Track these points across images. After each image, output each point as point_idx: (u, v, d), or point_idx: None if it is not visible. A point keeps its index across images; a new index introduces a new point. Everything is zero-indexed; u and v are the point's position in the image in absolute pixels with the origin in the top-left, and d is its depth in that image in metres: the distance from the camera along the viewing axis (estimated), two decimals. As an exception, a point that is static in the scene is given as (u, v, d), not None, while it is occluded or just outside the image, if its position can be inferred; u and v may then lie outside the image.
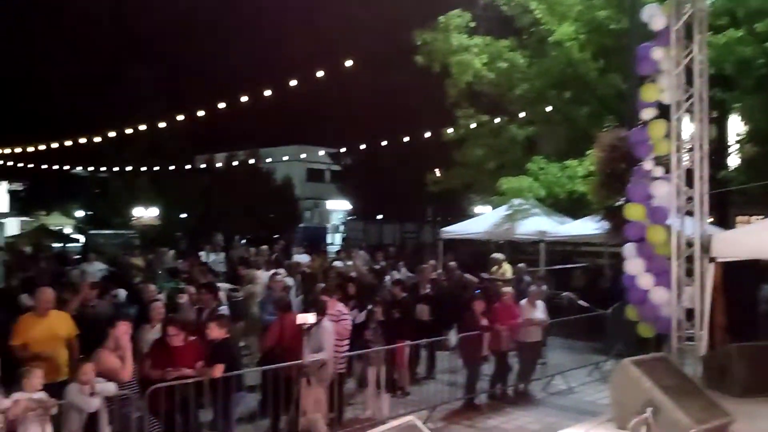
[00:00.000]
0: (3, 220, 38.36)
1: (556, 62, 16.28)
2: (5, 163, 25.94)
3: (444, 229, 18.09)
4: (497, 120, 18.36)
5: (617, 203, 9.89)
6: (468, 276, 13.34)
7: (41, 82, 33.72)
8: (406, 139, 21.80)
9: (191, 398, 6.47)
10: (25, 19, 32.63)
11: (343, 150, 37.54)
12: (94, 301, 8.64)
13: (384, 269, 14.49)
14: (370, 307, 8.96)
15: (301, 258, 16.12)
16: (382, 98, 35.27)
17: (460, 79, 17.39)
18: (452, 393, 9.10)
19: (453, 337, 9.58)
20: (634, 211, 8.12)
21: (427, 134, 20.98)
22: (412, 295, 10.53)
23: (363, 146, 28.25)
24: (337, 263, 15.14)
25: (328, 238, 41.36)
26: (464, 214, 24.06)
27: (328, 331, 7.61)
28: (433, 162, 21.64)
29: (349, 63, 17.78)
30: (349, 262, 15.11)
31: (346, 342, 8.29)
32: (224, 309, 8.86)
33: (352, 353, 8.38)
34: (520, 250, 18.08)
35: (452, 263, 13.90)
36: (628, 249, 8.19)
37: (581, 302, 12.54)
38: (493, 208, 17.95)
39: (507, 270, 13.87)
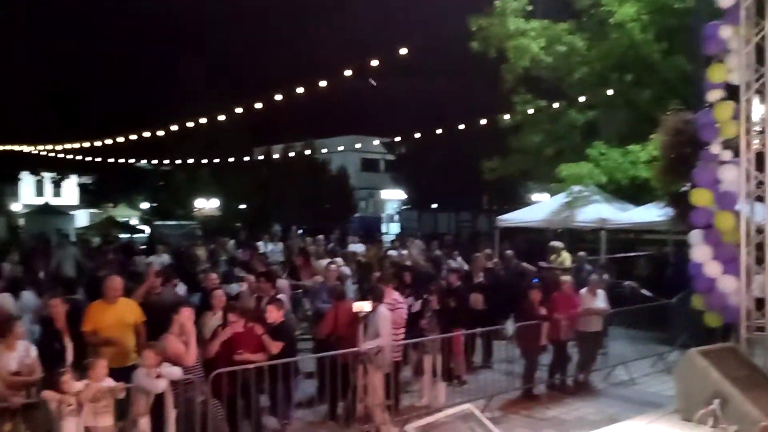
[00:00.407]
0: (73, 213, 40.22)
1: (617, 44, 15.82)
2: (75, 157, 27.08)
3: (500, 217, 17.88)
4: (555, 105, 18.00)
5: (683, 189, 9.56)
6: (525, 265, 13.17)
7: (107, 79, 35.02)
8: (461, 126, 21.60)
9: (252, 383, 6.63)
10: (88, 17, 33.86)
11: (397, 139, 37.48)
12: (159, 289, 8.91)
13: (439, 258, 14.46)
14: (425, 296, 8.95)
15: (357, 247, 16.27)
16: (436, 86, 35.07)
17: (517, 64, 17.12)
18: (510, 383, 9.01)
19: (510, 326, 9.47)
20: (700, 197, 7.83)
21: (483, 121, 20.72)
22: (465, 284, 10.46)
23: (417, 135, 28.15)
24: (392, 252, 15.19)
25: (383, 228, 41.54)
26: (521, 202, 23.72)
27: (385, 318, 7.65)
28: (489, 149, 21.40)
29: (403, 51, 17.72)
30: (404, 252, 15.13)
31: (402, 330, 8.31)
32: (283, 297, 9.02)
33: (407, 341, 8.41)
34: (579, 239, 17.70)
35: (509, 252, 13.74)
36: (695, 236, 7.91)
37: (644, 291, 12.19)
38: (552, 196, 17.63)
39: (566, 259, 13.63)
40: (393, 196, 49.53)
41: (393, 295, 8.44)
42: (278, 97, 18.50)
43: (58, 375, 5.75)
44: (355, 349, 7.24)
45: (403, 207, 47.76)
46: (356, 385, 7.19)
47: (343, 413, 7.36)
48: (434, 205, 41.94)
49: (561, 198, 16.11)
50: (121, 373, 6.42)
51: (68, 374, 5.75)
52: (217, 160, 30.83)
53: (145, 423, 5.88)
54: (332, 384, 7.28)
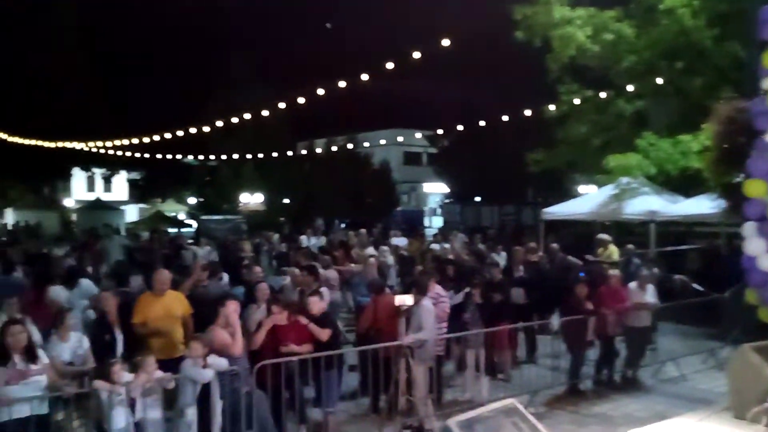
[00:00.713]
0: (123, 207, 41.42)
1: (666, 31, 15.36)
2: (124, 153, 27.79)
3: (546, 210, 17.60)
4: (603, 95, 17.60)
5: (736, 180, 9.23)
6: (571, 259, 12.95)
7: (155, 76, 35.83)
8: (505, 118, 21.33)
9: (296, 374, 6.69)
10: (139, 14, 34.68)
11: (439, 132, 37.26)
12: (206, 282, 9.09)
13: (483, 252, 14.34)
14: (467, 289, 8.88)
15: (399, 241, 16.27)
16: (480, 77, 34.74)
17: (563, 53, 16.81)
18: (555, 378, 8.87)
19: (556, 321, 9.33)
20: (754, 188, 7.53)
21: (528, 112, 20.43)
22: (506, 277, 10.35)
23: (460, 127, 27.91)
24: (434, 246, 15.12)
25: (426, 221, 41.43)
26: (567, 195, 23.29)
27: (428, 311, 7.62)
28: (534, 141, 21.10)
29: (445, 42, 17.57)
30: (446, 245, 15.05)
31: (445, 324, 8.28)
32: (325, 291, 9.07)
33: (450, 335, 8.36)
34: (627, 232, 17.29)
35: (554, 245, 13.52)
36: (748, 228, 7.62)
37: (695, 286, 11.85)
38: (599, 188, 17.27)
39: (613, 252, 13.34)
40: (435, 190, 49.34)
41: (435, 289, 8.40)
42: (320, 91, 18.58)
43: (108, 365, 5.93)
44: (398, 342, 7.23)
45: (446, 200, 47.55)
46: (398, 379, 7.18)
47: (386, 406, 7.36)
48: (477, 198, 41.61)
49: (608, 190, 15.76)
50: (169, 364, 6.58)
51: (118, 365, 5.92)
52: (261, 155, 31.22)
53: (192, 413, 6.00)
54: (374, 377, 7.30)
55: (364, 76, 18.77)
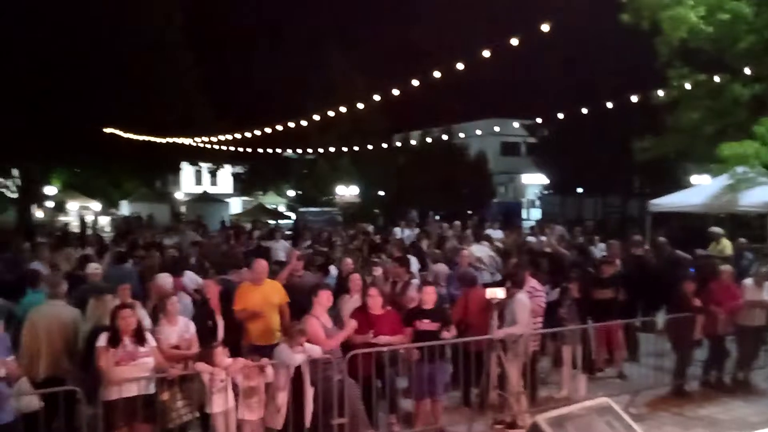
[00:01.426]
0: (228, 200, 43.39)
1: (790, 8, 14.10)
2: (228, 148, 29.04)
3: (653, 201, 16.68)
4: (717, 78, 16.45)
5: None
6: (680, 253, 12.22)
7: (255, 74, 37.10)
8: (610, 105, 20.39)
9: (387, 364, 6.73)
10: (240, 11, 36.09)
11: (538, 121, 36.20)
12: (301, 272, 9.33)
13: (583, 245, 13.81)
14: (564, 284, 8.59)
15: (495, 233, 15.98)
16: (582, 63, 33.40)
17: (673, 35, 15.86)
18: (659, 378, 8.42)
19: (661, 318, 8.84)
20: None
21: (634, 98, 19.44)
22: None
23: (561, 116, 26.98)
24: (531, 239, 14.73)
25: (523, 214, 40.53)
26: (677, 185, 22.00)
27: (523, 305, 7.44)
28: (641, 128, 20.09)
29: (545, 28, 17.01)
30: (543, 238, 14.63)
31: (540, 319, 8.05)
32: (416, 282, 9.07)
33: (545, 330, 8.12)
34: (743, 225, 16.12)
35: (662, 239, 12.80)
36: None
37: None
38: (712, 178, 16.18)
39: (726, 246, 12.49)
40: (534, 181, 48.12)
41: (531, 283, 8.19)
42: (415, 82, 18.53)
43: (211, 350, 6.21)
44: (489, 336, 7.10)
45: (545, 192, 46.27)
46: (489, 373, 7.06)
47: (477, 400, 7.27)
48: (579, 190, 40.19)
49: (722, 180, 14.71)
50: (266, 350, 6.83)
51: (220, 349, 6.20)
52: (357, 148, 31.67)
53: (282, 397, 6.17)
54: (465, 370, 7.21)
55: (460, 65, 18.52)
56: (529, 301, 7.61)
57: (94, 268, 8.64)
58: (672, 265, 11.39)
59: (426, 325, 7.00)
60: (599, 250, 12.97)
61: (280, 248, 13.46)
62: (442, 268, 10.20)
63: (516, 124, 40.27)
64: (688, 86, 16.77)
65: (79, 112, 22.65)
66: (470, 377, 7.28)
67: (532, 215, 42.92)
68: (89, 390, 5.67)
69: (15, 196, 28.29)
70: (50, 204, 35.68)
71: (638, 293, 9.85)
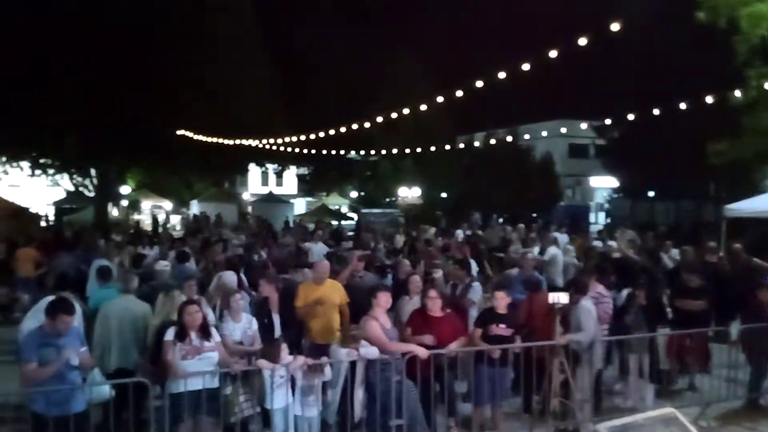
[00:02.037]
0: (292, 201, 44.19)
1: None
2: (293, 150, 29.57)
3: (729, 206, 15.93)
4: (800, 79, 15.59)
5: None
6: (757, 261, 11.62)
7: (321, 77, 37.56)
8: (683, 106, 19.60)
9: (446, 367, 6.68)
10: (306, 15, 36.64)
11: (608, 122, 35.16)
12: (362, 273, 9.39)
13: (655, 251, 13.33)
14: (630, 290, 8.30)
15: (561, 237, 15.64)
16: (654, 62, 32.22)
17: (752, 33, 15.14)
18: (731, 391, 8.03)
19: (735, 328, 8.43)
20: None
21: (709, 99, 18.63)
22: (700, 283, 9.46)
23: (631, 117, 26.13)
24: (597, 243, 14.33)
25: (591, 217, 39.47)
26: (754, 190, 20.92)
27: (587, 312, 7.25)
28: (717, 130, 19.23)
29: (615, 27, 16.51)
30: (611, 243, 14.20)
31: (606, 326, 7.82)
32: (476, 285, 8.98)
33: (611, 338, 7.87)
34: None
35: (737, 246, 12.20)
36: None
37: None
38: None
39: (808, 254, 11.75)
40: (603, 184, 46.79)
41: (597, 288, 7.97)
42: (479, 83, 18.33)
43: (273, 347, 6.34)
44: (552, 342, 6.94)
45: (614, 195, 44.92)
46: (552, 380, 6.90)
47: (538, 407, 7.12)
48: (650, 193, 38.81)
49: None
50: (325, 348, 6.94)
51: (281, 345, 6.32)
52: (420, 150, 31.64)
53: (333, 393, 6.25)
54: (527, 376, 7.08)
55: (526, 66, 18.19)
56: (593, 307, 7.40)
57: (163, 265, 8.96)
58: (748, 273, 10.84)
59: (501, 330, 6.94)
60: (671, 256, 12.48)
61: (317, 250, 13.39)
62: (514, 272, 10.06)
63: (584, 126, 39.29)
64: (767, 86, 15.98)
65: (153, 115, 23.57)
66: (532, 383, 7.13)
67: (600, 219, 41.76)
68: (157, 383, 5.89)
69: (92, 194, 29.61)
70: (125, 203, 37.28)
71: (712, 302, 9.42)
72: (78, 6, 21.66)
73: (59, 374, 5.42)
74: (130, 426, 5.62)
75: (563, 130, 39.41)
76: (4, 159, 27.61)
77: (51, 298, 6.29)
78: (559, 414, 7.04)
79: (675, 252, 12.76)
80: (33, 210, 29.32)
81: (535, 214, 29.80)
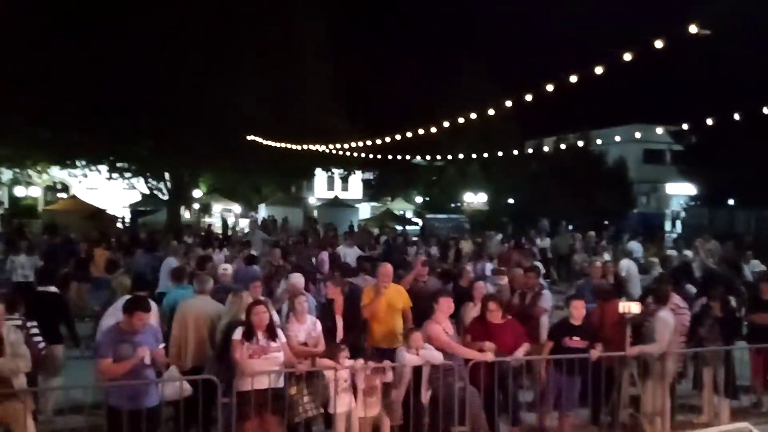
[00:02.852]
0: (357, 205, 44.57)
1: None
2: (359, 155, 29.81)
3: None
4: None
5: None
6: None
7: (387, 81, 37.77)
8: (766, 110, 18.57)
9: (510, 375, 6.57)
10: (372, 22, 37.05)
11: (685, 127, 33.77)
12: (426, 278, 9.35)
13: (735, 260, 12.71)
14: (706, 301, 7.93)
15: (633, 246, 15.14)
16: (732, 64, 30.80)
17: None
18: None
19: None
20: None
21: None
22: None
23: (710, 121, 25.00)
24: (672, 252, 13.77)
25: (666, 225, 37.97)
26: None
27: (665, 323, 6.98)
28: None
29: (693, 29, 15.83)
30: (688, 252, 13.63)
31: (682, 338, 7.50)
32: (546, 294, 8.77)
33: (684, 351, 7.53)
34: None
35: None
36: None
37: None
38: None
39: None
40: (680, 191, 44.95)
41: (674, 299, 7.67)
42: (549, 87, 17.96)
43: (336, 349, 6.41)
44: (622, 353, 6.71)
45: (692, 203, 43.06)
46: (621, 391, 6.67)
47: (607, 419, 6.89)
48: (730, 201, 37.02)
49: None
50: (388, 353, 6.93)
51: (343, 348, 6.39)
52: (486, 155, 31.29)
53: (396, 394, 6.25)
54: (595, 387, 6.86)
55: (598, 69, 17.68)
56: (672, 318, 7.12)
57: (223, 269, 9.20)
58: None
59: (575, 342, 6.76)
60: (752, 267, 11.86)
61: (351, 254, 13.27)
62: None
63: (660, 130, 37.88)
64: None
65: (225, 120, 24.28)
66: (600, 394, 6.91)
67: (676, 228, 40.10)
68: (224, 381, 6.04)
69: (166, 197, 30.76)
70: (196, 206, 38.57)
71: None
72: (155, 18, 22.55)
73: (134, 370, 5.63)
74: (199, 422, 5.78)
75: (638, 134, 38.13)
76: (83, 162, 28.92)
77: (128, 296, 6.54)
78: (628, 427, 6.80)
79: (755, 263, 12.12)
80: (110, 212, 30.85)
81: (606, 222, 28.86)
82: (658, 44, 15.46)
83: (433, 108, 30.93)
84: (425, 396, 6.29)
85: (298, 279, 8.25)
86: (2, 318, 5.60)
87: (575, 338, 6.76)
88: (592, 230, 18.54)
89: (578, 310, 6.93)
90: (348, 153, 28.52)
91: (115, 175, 29.81)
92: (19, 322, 6.39)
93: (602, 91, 27.98)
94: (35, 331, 6.69)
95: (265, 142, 25.67)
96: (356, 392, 6.24)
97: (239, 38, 24.08)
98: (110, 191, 34.73)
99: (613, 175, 38.51)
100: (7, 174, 31.14)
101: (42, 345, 6.78)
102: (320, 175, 46.60)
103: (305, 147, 26.27)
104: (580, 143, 37.45)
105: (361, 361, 6.30)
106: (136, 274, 9.72)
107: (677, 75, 35.76)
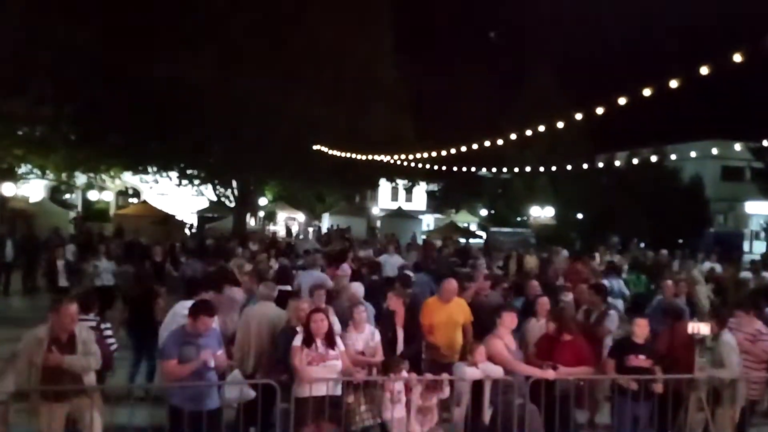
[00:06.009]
0: (421, 217, 44.47)
1: None
2: (424, 166, 29.72)
3: None
4: None
5: None
6: None
7: (451, 92, 37.61)
8: None
9: (571, 395, 6.36)
10: (452, 32, 37.07)
11: (766, 144, 32.09)
12: (488, 292, 9.21)
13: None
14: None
15: (707, 266, 14.45)
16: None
17: None
18: None
19: None
20: None
21: None
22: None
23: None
24: (747, 274, 13.06)
25: (745, 246, 36.09)
26: None
27: (729, 347, 6.64)
28: None
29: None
30: (765, 274, 12.89)
31: (764, 365, 7.08)
32: (613, 313, 8.45)
33: (759, 376, 7.10)
34: None
35: None
36: None
37: None
38: None
39: None
40: (760, 210, 42.72)
41: (756, 325, 7.27)
42: (622, 100, 17.45)
43: (394, 361, 6.38)
44: (691, 375, 6.39)
45: (773, 222, 40.86)
46: (688, 415, 6.34)
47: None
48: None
49: None
50: (447, 367, 6.85)
51: (402, 361, 6.34)
52: (555, 168, 30.61)
53: (458, 413, 6.16)
54: (662, 410, 6.55)
55: (674, 83, 17.06)
56: (735, 342, 6.77)
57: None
58: None
59: (640, 361, 6.52)
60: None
61: (392, 263, 13.04)
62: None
63: (738, 147, 36.15)
64: None
65: (293, 129, 24.71)
66: (667, 418, 6.59)
67: (756, 248, 38.07)
68: (283, 387, 6.09)
69: (233, 205, 31.55)
70: (262, 213, 39.34)
71: None
72: (232, 30, 23.25)
73: (196, 372, 5.77)
74: (258, 426, 5.85)
75: (714, 151, 36.52)
76: (154, 169, 29.97)
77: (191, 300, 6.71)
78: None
79: None
80: (178, 217, 31.85)
81: (681, 240, 27.69)
82: (737, 58, 14.79)
83: (500, 119, 30.56)
84: (486, 415, 6.15)
85: (357, 288, 8.27)
86: (75, 317, 5.82)
87: (641, 357, 6.49)
88: (665, 248, 17.78)
89: (641, 328, 6.68)
90: (413, 164, 28.49)
91: (184, 181, 30.62)
92: (94, 323, 6.69)
93: (678, 105, 26.96)
94: (109, 333, 7.01)
95: (330, 152, 25.97)
96: (410, 407, 6.17)
97: (314, 49, 24.44)
98: (179, 197, 35.73)
99: (688, 192, 37.00)
100: (82, 178, 32.50)
101: (115, 347, 7.07)
102: (384, 186, 46.82)
103: (370, 157, 26.40)
104: (654, 158, 36.11)
105: (415, 375, 6.22)
106: (188, 278, 9.82)
107: (756, 90, 34.01)
